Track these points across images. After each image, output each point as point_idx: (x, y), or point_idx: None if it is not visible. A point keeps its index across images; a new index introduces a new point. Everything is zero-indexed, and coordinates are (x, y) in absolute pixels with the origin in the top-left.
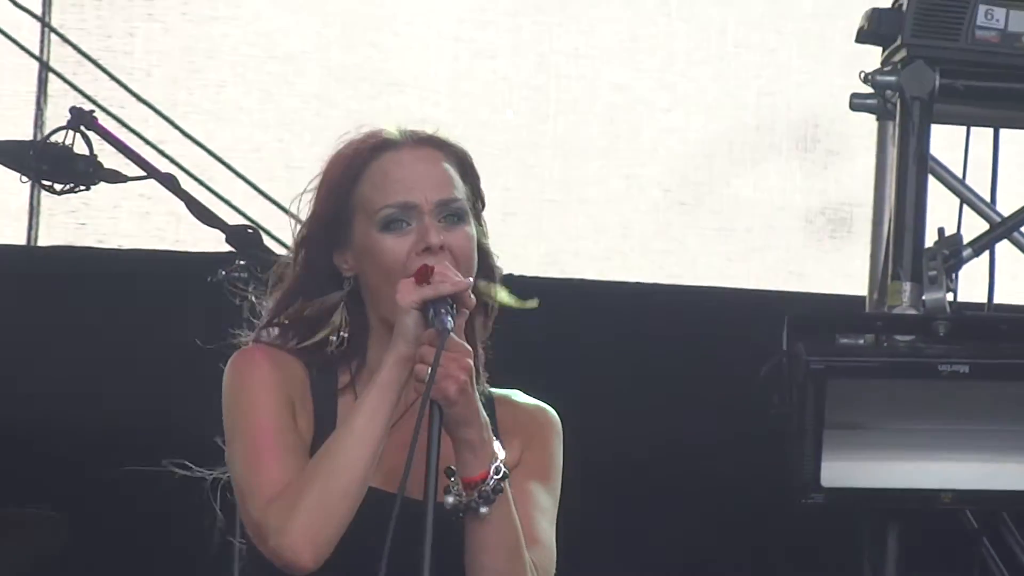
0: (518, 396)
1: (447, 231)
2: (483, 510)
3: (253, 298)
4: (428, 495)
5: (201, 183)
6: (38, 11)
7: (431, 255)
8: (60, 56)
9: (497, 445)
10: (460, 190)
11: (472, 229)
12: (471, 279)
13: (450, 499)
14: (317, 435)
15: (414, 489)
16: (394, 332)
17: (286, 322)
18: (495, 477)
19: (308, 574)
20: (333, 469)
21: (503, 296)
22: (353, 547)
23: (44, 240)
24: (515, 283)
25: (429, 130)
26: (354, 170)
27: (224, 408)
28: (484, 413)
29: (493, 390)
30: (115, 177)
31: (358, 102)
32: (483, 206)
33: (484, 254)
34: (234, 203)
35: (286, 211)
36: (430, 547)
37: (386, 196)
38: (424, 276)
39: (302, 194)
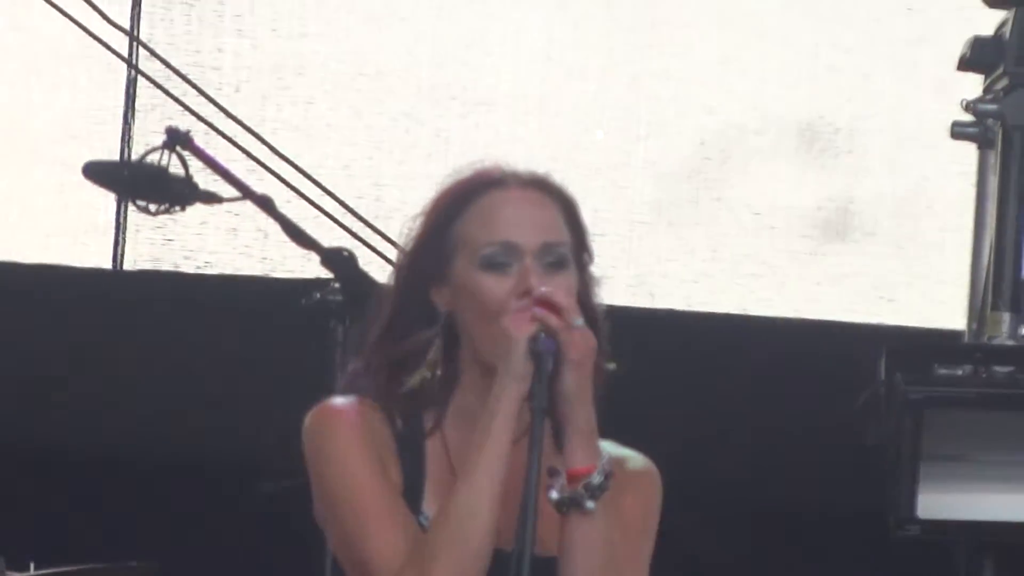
0: (616, 449)
1: (548, 277)
2: (589, 504)
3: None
4: (525, 534)
5: (307, 199)
6: (126, 25)
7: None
8: (147, 71)
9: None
10: (565, 236)
11: (574, 278)
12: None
13: (554, 494)
14: (407, 486)
15: (511, 541)
16: (501, 370)
17: (383, 359)
18: (603, 472)
19: None
20: (462, 534)
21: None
22: None
23: (131, 257)
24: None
25: (538, 174)
26: (459, 205)
27: (313, 473)
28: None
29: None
30: (211, 198)
31: (447, 120)
32: (590, 259)
33: (587, 308)
34: (328, 221)
35: (375, 229)
36: None
37: (489, 234)
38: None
39: (406, 224)
